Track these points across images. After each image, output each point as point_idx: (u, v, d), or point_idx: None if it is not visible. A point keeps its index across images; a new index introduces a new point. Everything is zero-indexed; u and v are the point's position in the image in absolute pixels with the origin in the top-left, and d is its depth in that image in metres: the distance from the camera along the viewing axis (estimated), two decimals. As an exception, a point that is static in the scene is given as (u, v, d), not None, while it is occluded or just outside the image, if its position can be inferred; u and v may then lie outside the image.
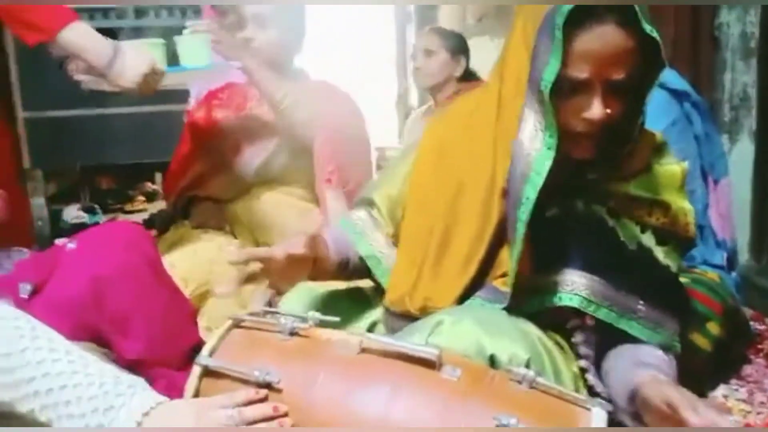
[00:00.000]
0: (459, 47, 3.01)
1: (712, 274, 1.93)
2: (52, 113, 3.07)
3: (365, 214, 1.44)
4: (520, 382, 0.99)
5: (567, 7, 1.10)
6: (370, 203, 1.44)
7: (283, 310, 1.12)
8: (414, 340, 1.12)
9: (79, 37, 1.66)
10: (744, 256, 2.55)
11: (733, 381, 1.89)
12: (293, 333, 1.04)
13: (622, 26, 1.12)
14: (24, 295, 1.45)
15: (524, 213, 1.16)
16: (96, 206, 3.39)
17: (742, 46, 2.52)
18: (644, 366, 1.17)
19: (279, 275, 1.21)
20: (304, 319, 1.07)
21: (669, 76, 2.06)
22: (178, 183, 2.16)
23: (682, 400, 0.99)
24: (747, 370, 1.97)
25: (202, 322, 1.83)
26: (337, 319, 1.11)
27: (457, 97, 2.66)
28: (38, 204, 3.16)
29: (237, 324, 1.07)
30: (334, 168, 2.01)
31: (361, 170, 2.13)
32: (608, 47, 1.12)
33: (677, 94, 2.06)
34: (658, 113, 1.98)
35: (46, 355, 0.93)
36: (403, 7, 5.70)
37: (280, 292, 1.35)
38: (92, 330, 1.44)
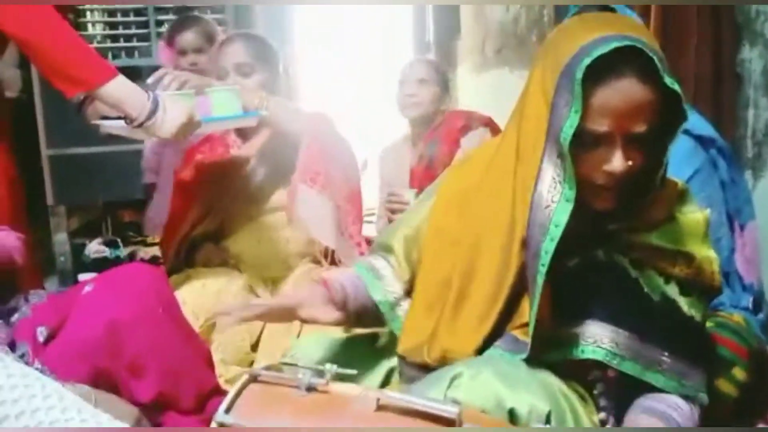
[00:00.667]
0: (447, 84, 2.93)
1: (737, 317, 1.90)
2: (74, 150, 3.13)
3: (382, 260, 1.43)
4: (544, 441, 0.97)
5: (586, 62, 1.09)
6: (388, 249, 1.43)
7: (300, 361, 1.11)
8: (432, 393, 1.11)
9: (119, 90, 1.70)
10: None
11: (761, 426, 1.86)
12: (310, 388, 1.03)
13: (642, 80, 1.11)
14: (41, 339, 1.45)
15: (543, 266, 1.15)
16: (117, 240, 3.41)
17: (764, 82, 2.50)
18: (649, 413, 1.18)
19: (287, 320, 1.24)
20: (321, 372, 1.06)
21: (694, 122, 2.04)
22: (176, 234, 2.19)
23: None
24: (774, 413, 1.93)
25: (216, 355, 1.84)
26: (354, 372, 1.09)
27: (440, 128, 2.76)
28: (61, 240, 3.21)
29: (254, 378, 1.07)
30: (321, 170, 2.01)
31: (344, 183, 2.12)
32: (628, 101, 1.11)
33: (702, 141, 2.04)
34: (684, 161, 1.97)
35: (59, 415, 0.92)
36: (422, 35, 5.73)
37: None
38: (106, 373, 1.45)
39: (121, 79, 1.70)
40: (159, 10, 3.30)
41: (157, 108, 1.69)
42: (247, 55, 2.10)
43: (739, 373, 1.76)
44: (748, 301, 2.02)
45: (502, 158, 1.28)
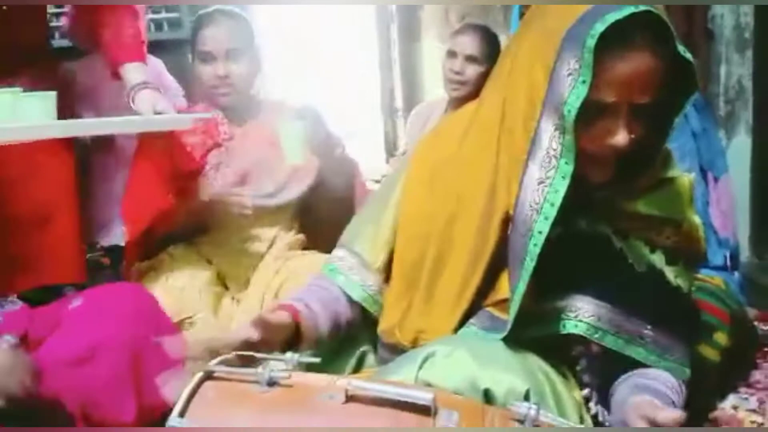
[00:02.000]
0: (498, 54, 2.49)
1: (717, 280, 1.87)
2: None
3: (348, 255, 1.33)
4: (522, 422, 0.91)
5: (600, 28, 1.00)
6: (354, 239, 1.34)
7: (258, 354, 1.02)
8: (403, 373, 1.06)
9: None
10: (744, 254, 2.49)
11: (743, 389, 1.84)
12: (272, 383, 0.94)
13: (655, 49, 1.03)
14: (3, 346, 1.40)
15: (536, 246, 1.08)
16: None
17: (736, 37, 2.47)
18: (641, 391, 1.12)
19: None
20: (283, 361, 0.98)
21: None
22: (147, 225, 2.01)
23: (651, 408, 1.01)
24: (756, 376, 1.91)
25: None
26: (317, 359, 1.03)
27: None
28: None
29: (209, 376, 0.97)
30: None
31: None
32: (640, 71, 1.03)
33: None
34: None
35: None
36: (385, 7, 5.62)
37: None
38: (84, 391, 1.38)
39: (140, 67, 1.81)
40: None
41: None
42: (239, 42, 2.03)
43: (721, 337, 1.74)
44: (724, 257, 2.01)
45: (482, 128, 1.20)
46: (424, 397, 0.90)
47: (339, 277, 1.32)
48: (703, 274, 1.91)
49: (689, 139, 2.02)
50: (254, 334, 1.10)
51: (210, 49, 1.99)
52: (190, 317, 1.84)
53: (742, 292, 2.03)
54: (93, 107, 2.42)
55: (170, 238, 2.05)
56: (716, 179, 2.07)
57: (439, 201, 1.24)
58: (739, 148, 2.53)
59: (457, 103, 2.60)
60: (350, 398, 0.92)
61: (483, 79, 2.52)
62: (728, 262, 2.02)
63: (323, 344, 1.26)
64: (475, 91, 2.51)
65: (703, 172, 2.05)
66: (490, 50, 2.55)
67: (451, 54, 2.56)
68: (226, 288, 2.04)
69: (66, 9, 2.64)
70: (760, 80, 2.42)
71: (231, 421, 0.89)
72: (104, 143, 2.34)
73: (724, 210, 2.06)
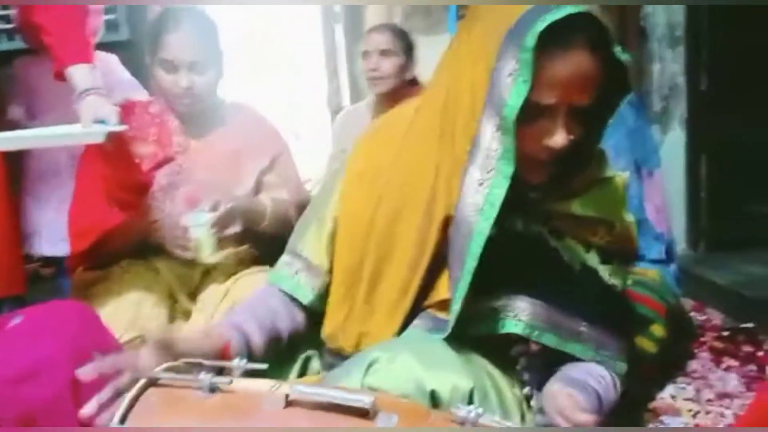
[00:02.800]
0: (412, 49, 2.73)
1: (652, 273, 1.91)
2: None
3: (295, 260, 1.30)
4: (462, 424, 0.91)
5: (539, 27, 1.00)
6: (300, 244, 1.31)
7: (205, 361, 1.02)
8: (349, 380, 1.04)
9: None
10: (680, 246, 2.56)
11: (680, 379, 1.89)
12: (214, 389, 0.94)
13: (593, 50, 1.04)
14: None
15: (477, 247, 1.08)
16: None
17: (668, 34, 2.52)
18: (566, 381, 1.14)
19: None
20: (228, 370, 0.98)
21: None
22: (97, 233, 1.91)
23: (571, 408, 1.03)
24: (692, 365, 1.97)
25: None
26: (264, 366, 1.01)
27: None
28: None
29: (152, 383, 0.96)
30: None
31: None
32: (578, 72, 1.04)
33: None
34: None
35: None
36: (330, 7, 5.60)
37: None
38: (24, 410, 1.31)
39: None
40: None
41: None
42: (203, 54, 1.91)
43: (657, 329, 1.78)
44: (660, 251, 2.04)
45: (422, 128, 1.19)
46: (362, 399, 0.90)
47: (286, 282, 1.29)
48: (640, 267, 1.96)
49: (624, 137, 2.05)
50: (151, 361, 1.01)
51: (173, 58, 1.86)
52: (141, 336, 1.73)
53: (678, 284, 2.08)
54: (31, 108, 2.36)
55: (119, 254, 1.94)
56: (650, 174, 2.11)
57: (378, 202, 1.22)
58: (674, 142, 2.59)
59: (383, 99, 2.66)
60: (290, 403, 0.92)
61: (401, 71, 2.63)
62: (664, 256, 2.07)
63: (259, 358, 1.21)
64: (397, 84, 2.63)
65: (637, 168, 2.09)
66: (402, 44, 2.67)
67: (366, 54, 2.65)
68: (176, 302, 1.93)
69: (11, 11, 2.60)
70: (692, 76, 2.47)
71: (168, 426, 0.89)
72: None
73: (658, 204, 2.10)
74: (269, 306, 1.28)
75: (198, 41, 1.88)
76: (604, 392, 1.16)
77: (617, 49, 1.05)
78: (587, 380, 1.15)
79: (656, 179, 2.11)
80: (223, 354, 1.13)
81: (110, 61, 2.61)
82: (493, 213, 1.07)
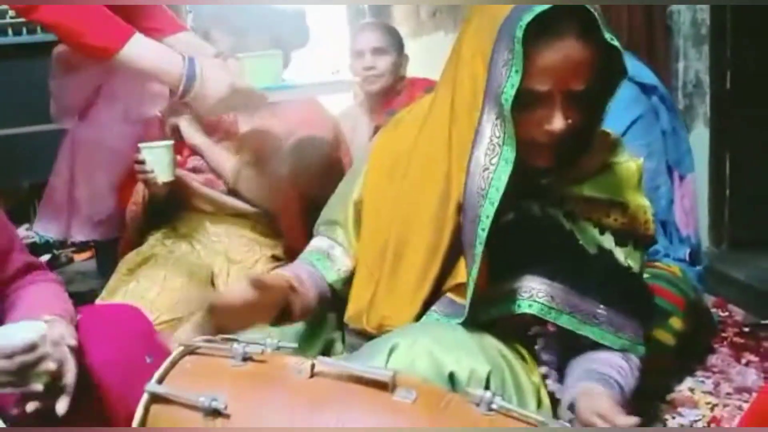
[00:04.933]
0: (402, 43, 2.76)
1: (674, 268, 1.92)
2: (-2, 131, 2.99)
3: (327, 239, 1.37)
4: (477, 404, 0.95)
5: (526, 19, 1.05)
6: (331, 225, 1.38)
7: (240, 338, 1.07)
8: (372, 364, 1.07)
9: (139, 53, 1.56)
10: (703, 243, 2.56)
11: (699, 372, 1.90)
12: (246, 358, 1.00)
13: (583, 37, 1.08)
14: None
15: (484, 230, 1.12)
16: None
17: (693, 33, 2.53)
18: (592, 376, 1.16)
19: (231, 323, 1.13)
20: (261, 345, 1.03)
21: (637, 70, 2.05)
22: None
23: (611, 411, 1.03)
24: (712, 360, 1.98)
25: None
26: (294, 345, 1.07)
27: (401, 96, 2.59)
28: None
29: (189, 351, 1.03)
30: None
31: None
32: (569, 59, 1.08)
33: (645, 88, 2.05)
34: (626, 107, 1.98)
35: None
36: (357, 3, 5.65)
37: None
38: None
39: (139, 40, 1.56)
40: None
41: (194, 75, 1.54)
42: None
43: (676, 322, 1.79)
44: (684, 252, 2.05)
45: (436, 120, 1.25)
46: (383, 373, 0.94)
47: (318, 260, 1.36)
48: (662, 262, 1.97)
49: (658, 137, 2.05)
50: (250, 295, 1.13)
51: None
52: (179, 318, 1.83)
53: (701, 282, 2.08)
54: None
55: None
56: (682, 178, 2.10)
57: (399, 190, 1.28)
58: (698, 140, 2.59)
59: (376, 97, 2.67)
60: (316, 374, 0.97)
61: (394, 68, 2.63)
62: (688, 258, 2.07)
63: (310, 317, 1.30)
64: (391, 81, 2.64)
65: (669, 171, 2.10)
66: (393, 40, 2.68)
67: (358, 53, 2.65)
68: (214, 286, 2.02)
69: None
70: (716, 74, 2.48)
71: (202, 389, 0.94)
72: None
73: (687, 208, 2.09)
74: (316, 270, 1.35)
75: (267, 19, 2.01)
76: (626, 384, 1.18)
77: (608, 36, 1.09)
78: (610, 374, 1.17)
79: (687, 184, 2.10)
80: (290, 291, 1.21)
81: None
82: (497, 197, 1.12)
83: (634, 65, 2.07)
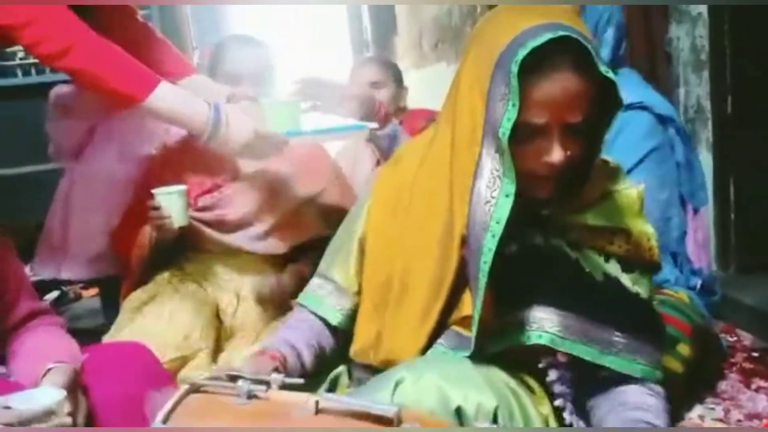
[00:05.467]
0: (400, 76, 2.80)
1: (681, 294, 1.91)
2: (3, 171, 3.01)
3: (325, 282, 1.39)
4: (486, 439, 0.95)
5: (521, 54, 1.07)
6: (329, 266, 1.39)
7: (245, 373, 1.08)
8: (378, 399, 1.07)
9: (167, 99, 1.59)
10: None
11: (709, 399, 1.88)
12: (251, 396, 1.01)
13: (578, 70, 1.10)
14: None
15: (486, 263, 1.13)
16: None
17: (693, 59, 2.54)
18: (634, 408, 1.18)
19: None
20: (266, 383, 1.04)
21: (655, 100, 2.07)
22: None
23: None
24: (722, 386, 1.96)
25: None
26: (300, 380, 1.08)
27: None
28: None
29: (194, 389, 1.04)
30: None
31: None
32: (565, 92, 1.10)
33: (662, 120, 2.06)
34: (643, 137, 1.99)
35: None
36: (360, 34, 5.71)
37: None
38: None
39: (166, 88, 1.59)
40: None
41: (219, 121, 1.57)
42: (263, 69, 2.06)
43: (683, 349, 1.77)
44: (696, 283, 2.03)
45: (437, 154, 1.26)
46: (388, 409, 0.95)
47: (316, 304, 1.37)
48: (670, 289, 1.97)
49: (672, 169, 2.05)
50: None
51: (237, 71, 2.00)
52: (185, 356, 1.84)
53: (710, 311, 2.05)
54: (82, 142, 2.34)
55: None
56: (695, 211, 2.10)
57: (402, 225, 1.29)
58: (702, 165, 2.60)
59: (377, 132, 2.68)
60: (320, 411, 0.97)
61: (394, 100, 2.66)
62: (699, 288, 2.06)
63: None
64: (391, 113, 2.62)
65: (683, 203, 2.09)
66: (391, 72, 2.71)
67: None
68: (221, 322, 2.03)
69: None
70: (717, 99, 2.49)
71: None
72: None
73: (700, 242, 2.08)
74: (311, 326, 1.36)
75: (260, 58, 2.04)
76: (662, 421, 1.19)
77: (603, 69, 1.10)
78: (652, 420, 1.18)
79: (701, 217, 2.08)
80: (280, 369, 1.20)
81: None
82: (499, 229, 1.12)
83: (651, 96, 2.09)
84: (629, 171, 1.95)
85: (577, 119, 1.12)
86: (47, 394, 1.17)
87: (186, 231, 1.97)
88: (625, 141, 2.00)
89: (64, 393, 1.17)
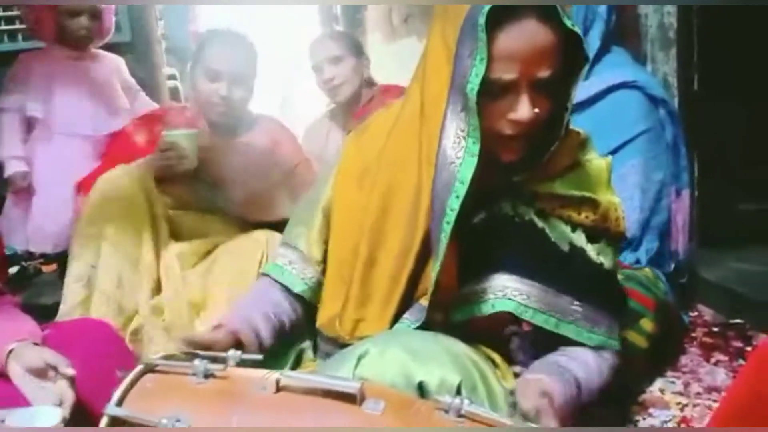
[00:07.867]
0: (360, 47, 2.73)
1: (645, 270, 1.94)
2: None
3: (288, 251, 1.37)
4: (447, 411, 0.94)
5: (487, 7, 1.06)
6: (295, 234, 1.38)
7: (201, 351, 1.06)
8: (340, 373, 1.07)
9: None
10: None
11: (669, 373, 1.91)
12: (208, 375, 0.99)
13: (544, 22, 1.09)
14: None
15: (448, 224, 1.13)
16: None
17: (661, 36, 2.54)
18: (550, 368, 1.16)
19: None
20: (224, 359, 1.02)
21: (647, 81, 2.07)
22: None
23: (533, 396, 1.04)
24: (682, 360, 1.99)
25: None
26: (259, 356, 1.06)
27: (372, 103, 2.58)
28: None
29: (149, 369, 1.01)
30: None
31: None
32: (532, 44, 1.09)
33: (654, 101, 2.06)
34: (636, 118, 2.00)
35: None
36: (329, 8, 5.63)
37: None
38: None
39: None
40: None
41: None
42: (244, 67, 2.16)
43: (647, 324, 1.80)
44: (669, 266, 2.05)
45: (406, 123, 1.24)
46: (350, 385, 0.94)
47: (280, 272, 1.36)
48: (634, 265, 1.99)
49: (665, 150, 2.06)
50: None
51: (217, 68, 2.08)
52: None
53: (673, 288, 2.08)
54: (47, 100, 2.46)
55: None
56: (678, 192, 2.12)
57: (369, 195, 1.28)
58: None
59: (348, 106, 2.68)
60: (281, 388, 0.96)
61: (355, 72, 2.61)
62: (672, 270, 2.08)
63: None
64: (356, 88, 2.63)
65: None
66: (348, 45, 2.66)
67: (316, 69, 2.65)
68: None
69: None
70: (683, 76, 2.50)
71: (163, 409, 0.92)
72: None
73: (679, 224, 2.11)
74: (271, 299, 1.34)
75: (241, 58, 2.12)
76: (586, 380, 1.18)
77: (568, 22, 1.10)
78: (570, 367, 1.17)
79: (683, 199, 2.11)
80: (236, 347, 1.17)
81: (119, 62, 2.68)
82: (463, 190, 1.11)
83: (644, 77, 2.10)
84: (622, 149, 1.96)
85: (546, 73, 1.11)
86: (47, 415, 1.17)
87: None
88: (620, 120, 2.01)
89: (63, 415, 1.17)
